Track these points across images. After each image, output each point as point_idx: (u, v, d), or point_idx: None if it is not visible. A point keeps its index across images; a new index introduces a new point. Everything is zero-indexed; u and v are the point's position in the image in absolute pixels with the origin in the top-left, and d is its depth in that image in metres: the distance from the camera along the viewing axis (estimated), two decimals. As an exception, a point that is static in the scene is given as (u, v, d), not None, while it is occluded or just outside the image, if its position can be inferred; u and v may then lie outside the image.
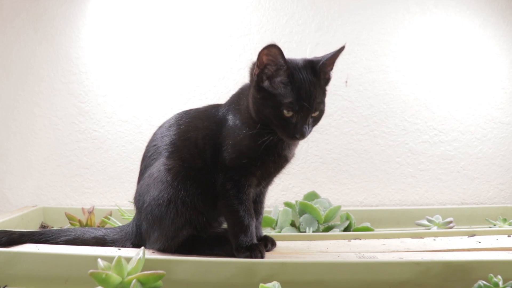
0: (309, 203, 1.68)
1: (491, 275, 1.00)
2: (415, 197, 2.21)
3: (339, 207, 1.73)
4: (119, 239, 1.34)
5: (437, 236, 1.58)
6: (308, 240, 1.52)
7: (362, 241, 1.51)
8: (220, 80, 2.18)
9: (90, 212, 1.71)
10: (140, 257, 0.95)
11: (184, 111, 1.38)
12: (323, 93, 1.22)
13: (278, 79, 1.15)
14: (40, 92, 2.16)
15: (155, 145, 1.33)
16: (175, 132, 1.30)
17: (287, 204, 1.77)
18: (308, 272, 1.13)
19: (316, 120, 1.21)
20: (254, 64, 1.19)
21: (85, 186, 2.15)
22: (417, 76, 2.22)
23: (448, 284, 1.08)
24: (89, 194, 2.13)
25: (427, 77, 2.23)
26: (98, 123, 2.15)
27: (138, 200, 1.30)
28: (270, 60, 1.14)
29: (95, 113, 2.15)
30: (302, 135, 1.15)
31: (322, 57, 1.21)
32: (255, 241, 1.23)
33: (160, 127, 1.37)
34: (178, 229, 1.23)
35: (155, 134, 1.37)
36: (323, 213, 1.69)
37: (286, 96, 1.13)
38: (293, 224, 1.75)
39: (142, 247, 0.98)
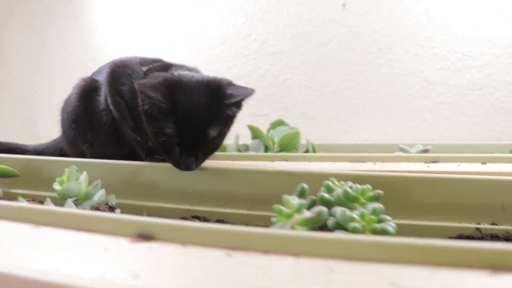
0: (256, 126, 1.58)
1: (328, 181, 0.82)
2: (432, 136, 1.87)
3: (296, 132, 1.56)
4: (51, 147, 1.45)
5: (386, 161, 1.34)
6: (231, 160, 1.44)
7: (289, 163, 1.37)
8: None
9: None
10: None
11: None
12: (222, 123, 0.99)
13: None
14: None
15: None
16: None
17: (251, 128, 1.66)
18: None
19: (211, 152, 1.01)
20: None
21: None
22: (433, -8, 1.86)
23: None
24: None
25: (447, -8, 1.85)
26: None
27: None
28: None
29: None
30: (187, 169, 0.95)
31: (230, 95, 0.96)
32: None
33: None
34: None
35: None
36: (276, 140, 1.58)
37: (166, 126, 0.93)
38: (239, 150, 1.67)
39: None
